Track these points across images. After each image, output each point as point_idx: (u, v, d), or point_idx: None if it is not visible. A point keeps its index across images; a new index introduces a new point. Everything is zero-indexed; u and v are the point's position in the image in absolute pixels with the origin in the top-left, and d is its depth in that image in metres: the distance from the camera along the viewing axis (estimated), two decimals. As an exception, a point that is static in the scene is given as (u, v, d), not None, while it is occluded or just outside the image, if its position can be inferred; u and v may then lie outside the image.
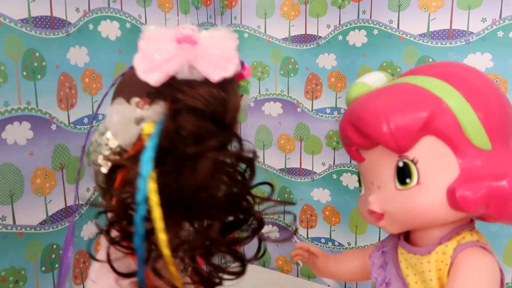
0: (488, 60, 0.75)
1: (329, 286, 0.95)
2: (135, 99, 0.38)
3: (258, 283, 1.00)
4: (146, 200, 0.34)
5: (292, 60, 0.97)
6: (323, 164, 0.96)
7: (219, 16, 1.04)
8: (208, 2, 0.99)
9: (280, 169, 1.02)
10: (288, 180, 1.01)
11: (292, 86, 0.97)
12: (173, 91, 0.37)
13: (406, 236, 0.48)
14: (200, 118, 0.36)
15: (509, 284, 0.77)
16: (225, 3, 1.02)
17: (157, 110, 0.37)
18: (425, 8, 0.79)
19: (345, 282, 0.95)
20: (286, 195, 1.02)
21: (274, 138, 1.01)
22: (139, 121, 0.37)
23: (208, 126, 0.36)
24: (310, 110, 0.96)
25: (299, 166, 0.99)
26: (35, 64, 0.61)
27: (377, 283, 0.49)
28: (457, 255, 0.41)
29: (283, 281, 1.01)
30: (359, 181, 0.49)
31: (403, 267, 0.46)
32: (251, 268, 1.06)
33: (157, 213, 0.34)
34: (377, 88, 0.46)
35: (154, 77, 0.37)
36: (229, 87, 0.38)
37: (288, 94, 0.98)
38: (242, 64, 0.45)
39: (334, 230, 0.97)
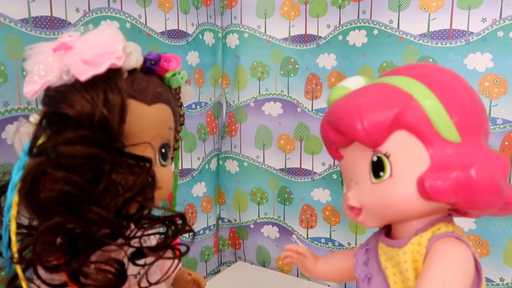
0: (488, 60, 0.75)
1: (329, 286, 0.96)
2: (34, 116, 0.39)
3: (258, 283, 1.00)
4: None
5: (292, 60, 0.97)
6: (323, 164, 0.96)
7: (219, 16, 1.04)
8: (208, 2, 0.99)
9: (280, 169, 1.02)
10: (288, 180, 1.01)
11: (292, 86, 0.97)
12: (48, 100, 0.38)
13: (388, 232, 0.50)
14: (62, 121, 0.36)
15: (510, 284, 0.77)
16: (225, 3, 1.02)
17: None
18: (425, 8, 0.79)
19: (345, 283, 0.95)
20: (286, 195, 1.02)
21: (274, 138, 1.01)
22: (30, 135, 0.37)
23: (60, 126, 0.35)
24: (310, 110, 0.96)
25: (299, 166, 0.99)
26: (35, 64, 0.61)
27: (360, 279, 0.50)
28: (432, 245, 0.42)
29: (283, 281, 1.00)
30: (341, 180, 0.51)
31: (383, 260, 0.47)
32: (251, 268, 1.07)
33: (13, 226, 0.37)
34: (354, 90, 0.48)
35: (28, 91, 0.37)
36: (105, 86, 0.36)
37: (288, 94, 0.98)
38: (159, 57, 0.44)
39: (334, 230, 0.97)
